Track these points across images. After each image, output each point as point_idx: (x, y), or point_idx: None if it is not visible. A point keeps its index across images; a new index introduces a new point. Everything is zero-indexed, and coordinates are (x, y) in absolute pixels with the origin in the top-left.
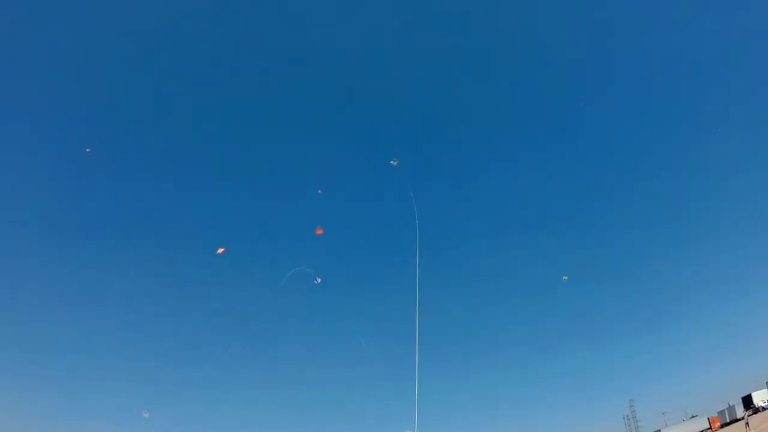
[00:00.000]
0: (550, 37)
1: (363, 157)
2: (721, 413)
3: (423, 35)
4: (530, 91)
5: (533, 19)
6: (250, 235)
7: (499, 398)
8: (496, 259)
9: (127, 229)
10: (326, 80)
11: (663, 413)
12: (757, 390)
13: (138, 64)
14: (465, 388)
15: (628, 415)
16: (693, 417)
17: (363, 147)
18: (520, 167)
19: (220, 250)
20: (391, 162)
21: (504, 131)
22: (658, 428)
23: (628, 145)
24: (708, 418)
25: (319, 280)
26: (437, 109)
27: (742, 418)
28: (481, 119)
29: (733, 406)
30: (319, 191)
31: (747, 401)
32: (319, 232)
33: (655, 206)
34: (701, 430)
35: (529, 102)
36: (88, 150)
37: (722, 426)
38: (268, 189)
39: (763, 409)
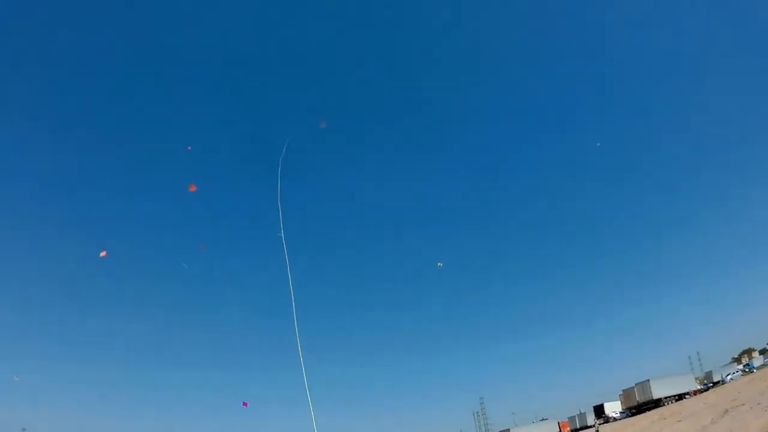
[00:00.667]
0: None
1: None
2: (572, 419)
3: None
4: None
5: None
6: None
7: (358, 391)
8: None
9: None
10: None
11: (513, 413)
12: (610, 401)
13: None
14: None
15: (478, 412)
16: (543, 419)
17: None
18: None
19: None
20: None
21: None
22: (507, 428)
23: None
24: (558, 422)
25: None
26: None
27: (592, 426)
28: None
29: (584, 413)
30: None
31: (599, 410)
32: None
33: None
34: None
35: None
36: None
37: (572, 431)
38: None
39: (614, 419)
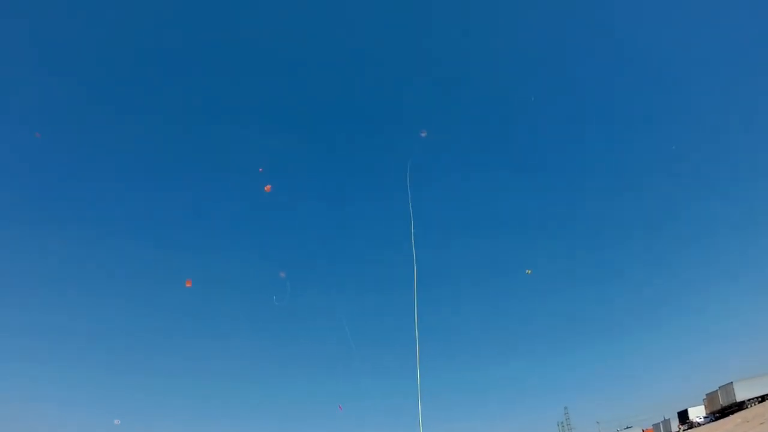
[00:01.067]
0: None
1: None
2: (656, 426)
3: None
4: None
5: None
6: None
7: (438, 402)
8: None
9: None
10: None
11: (597, 422)
12: (694, 406)
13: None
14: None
15: (562, 422)
16: (627, 428)
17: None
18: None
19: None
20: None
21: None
22: None
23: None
24: (642, 430)
25: None
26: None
27: None
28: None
29: (668, 420)
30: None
31: (683, 416)
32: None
33: (618, 221)
34: None
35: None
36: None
37: None
38: None
39: (698, 424)
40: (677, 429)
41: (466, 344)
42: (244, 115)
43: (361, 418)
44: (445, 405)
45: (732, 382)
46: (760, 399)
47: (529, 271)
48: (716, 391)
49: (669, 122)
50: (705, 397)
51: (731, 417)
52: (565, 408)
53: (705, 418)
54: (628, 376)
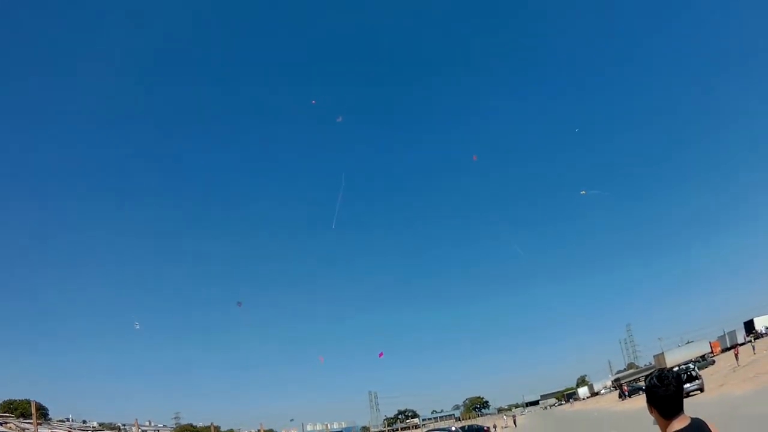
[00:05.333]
0: None
1: None
2: (722, 338)
3: None
4: None
5: None
6: None
7: (501, 326)
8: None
9: None
10: None
11: (659, 339)
12: (760, 315)
13: None
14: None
15: (625, 339)
16: (689, 342)
17: None
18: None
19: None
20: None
21: None
22: (655, 353)
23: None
24: (709, 342)
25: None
26: None
27: (746, 343)
28: None
29: (734, 331)
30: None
31: (749, 326)
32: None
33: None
34: (703, 353)
35: None
36: None
37: (723, 350)
38: None
39: (765, 334)
40: (744, 339)
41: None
42: None
43: None
44: (512, 329)
45: None
46: None
47: (584, 192)
48: None
49: None
50: None
51: None
52: (628, 325)
53: None
54: (690, 292)
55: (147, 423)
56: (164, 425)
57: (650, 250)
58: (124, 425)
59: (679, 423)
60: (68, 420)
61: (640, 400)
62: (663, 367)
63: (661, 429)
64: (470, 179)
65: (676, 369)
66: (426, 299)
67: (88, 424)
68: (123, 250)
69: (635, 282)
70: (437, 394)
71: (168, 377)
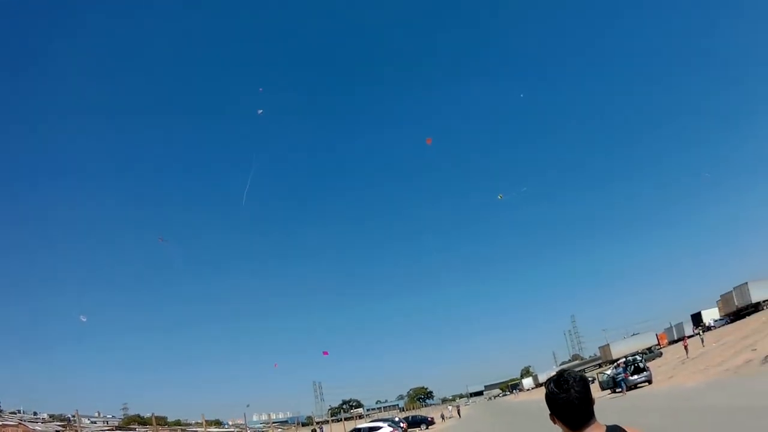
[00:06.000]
0: None
1: None
2: (668, 330)
3: None
4: None
5: None
6: None
7: (445, 318)
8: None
9: None
10: None
11: (603, 330)
12: (706, 309)
13: None
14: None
15: (570, 330)
16: (635, 334)
17: None
18: None
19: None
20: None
21: None
22: (600, 344)
23: None
24: (656, 334)
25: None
26: None
27: (694, 335)
28: None
29: (681, 323)
30: None
31: (696, 319)
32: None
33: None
34: (650, 345)
35: None
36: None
37: (670, 342)
38: None
39: (712, 328)
40: (692, 332)
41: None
42: None
43: None
44: (456, 320)
45: (747, 282)
46: None
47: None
48: (731, 291)
49: None
50: (719, 298)
51: (748, 318)
52: (572, 316)
53: (719, 320)
54: (635, 285)
55: (96, 414)
56: (113, 416)
57: (594, 241)
58: (73, 416)
59: None
60: (19, 412)
61: None
62: (563, 369)
63: None
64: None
65: (622, 362)
66: (370, 290)
67: (38, 416)
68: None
69: (579, 274)
70: (382, 384)
71: (116, 370)
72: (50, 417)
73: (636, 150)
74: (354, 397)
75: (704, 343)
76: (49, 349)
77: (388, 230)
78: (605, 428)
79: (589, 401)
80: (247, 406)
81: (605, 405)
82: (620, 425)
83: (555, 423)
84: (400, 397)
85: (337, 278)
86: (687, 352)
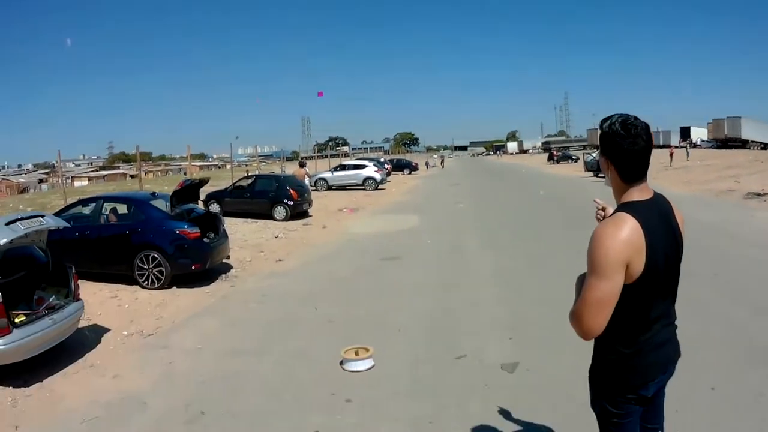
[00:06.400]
0: None
1: None
2: (656, 134)
3: None
4: None
5: None
6: None
7: (439, 65)
8: None
9: None
10: None
11: (593, 114)
12: (697, 127)
13: None
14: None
15: (561, 107)
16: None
17: None
18: None
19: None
20: None
21: None
22: (588, 128)
23: None
24: None
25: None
26: None
27: (680, 147)
28: None
29: (669, 132)
30: None
31: (685, 132)
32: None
33: None
34: None
35: None
36: None
37: (655, 147)
38: None
39: (698, 146)
40: (678, 144)
41: None
42: None
43: None
44: (449, 68)
45: (741, 117)
46: (762, 146)
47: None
48: (723, 119)
49: None
50: (711, 121)
51: (736, 151)
52: (566, 93)
53: (706, 142)
54: (633, 82)
55: (81, 156)
56: (98, 156)
57: (605, 28)
58: (56, 162)
59: (640, 192)
60: (2, 168)
61: (569, 168)
62: (628, 114)
63: (616, 193)
64: None
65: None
66: (364, 19)
67: (22, 168)
68: None
69: (580, 50)
70: (369, 126)
71: (102, 111)
72: (34, 167)
73: None
74: (341, 135)
75: (689, 158)
76: (33, 96)
77: None
78: (653, 193)
79: (649, 155)
80: (236, 137)
81: (591, 186)
82: (664, 195)
83: (606, 170)
84: (386, 140)
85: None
86: (672, 160)
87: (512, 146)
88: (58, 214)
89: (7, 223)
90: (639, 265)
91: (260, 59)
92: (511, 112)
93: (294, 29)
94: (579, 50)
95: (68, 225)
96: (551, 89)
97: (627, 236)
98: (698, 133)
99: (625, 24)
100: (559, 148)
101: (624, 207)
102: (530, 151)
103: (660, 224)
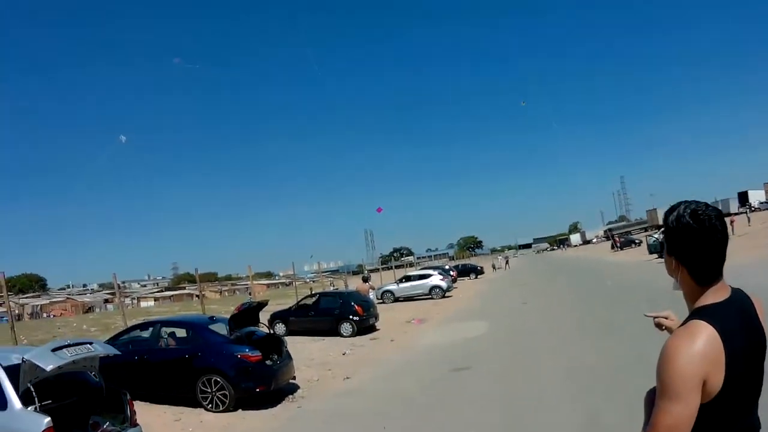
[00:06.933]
0: None
1: None
2: (714, 204)
3: None
4: None
5: None
6: None
7: (497, 168)
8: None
9: None
10: None
11: (651, 195)
12: (754, 189)
13: None
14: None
15: (618, 191)
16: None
17: None
18: None
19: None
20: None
21: None
22: (647, 208)
23: None
24: None
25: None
26: None
27: (740, 213)
28: None
29: (727, 200)
30: None
31: (743, 198)
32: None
33: None
34: None
35: None
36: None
37: None
38: None
39: (758, 209)
40: (737, 210)
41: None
42: None
43: None
44: (507, 171)
45: None
46: None
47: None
48: None
49: None
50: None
51: None
52: (622, 178)
53: (764, 203)
54: (685, 155)
55: (146, 277)
56: (163, 277)
57: (650, 109)
58: (123, 282)
59: (717, 293)
60: (69, 287)
61: (633, 253)
62: (696, 201)
63: (688, 297)
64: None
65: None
66: (423, 139)
67: (87, 288)
68: None
69: (632, 136)
70: (432, 233)
71: (165, 231)
72: (99, 287)
73: None
74: (404, 245)
75: (750, 223)
76: (93, 220)
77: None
78: (731, 289)
79: (725, 247)
80: (311, 256)
81: (655, 268)
82: (743, 290)
83: (674, 271)
84: (450, 246)
85: (389, 122)
86: (733, 229)
87: (575, 238)
88: (116, 337)
89: (54, 350)
90: (718, 380)
91: (324, 177)
92: (571, 203)
93: (356, 148)
94: (630, 135)
95: (118, 353)
96: (607, 175)
97: (702, 349)
98: (756, 196)
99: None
100: (621, 233)
101: (698, 313)
102: (593, 240)
103: (741, 327)
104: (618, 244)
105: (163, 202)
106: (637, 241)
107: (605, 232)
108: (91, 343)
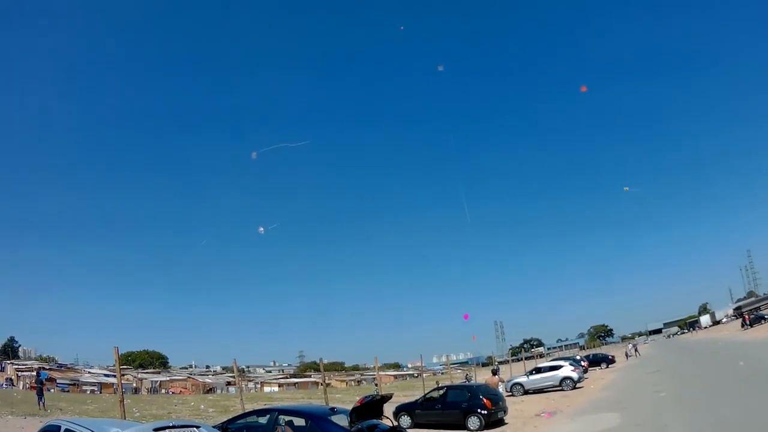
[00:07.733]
0: None
1: None
2: None
3: None
4: None
5: None
6: None
7: (622, 255)
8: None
9: None
10: None
11: None
12: None
13: None
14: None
15: (745, 266)
16: None
17: None
18: None
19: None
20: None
21: None
22: None
23: None
24: None
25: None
26: None
27: None
28: None
29: None
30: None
31: None
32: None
33: None
34: None
35: None
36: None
37: None
38: None
39: None
40: None
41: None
42: None
43: None
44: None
45: None
46: None
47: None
48: None
49: None
50: None
51: None
52: (748, 251)
53: None
54: None
55: (272, 363)
56: (288, 364)
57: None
58: (248, 367)
59: None
60: (191, 366)
61: (762, 330)
62: None
63: None
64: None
65: None
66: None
67: (210, 369)
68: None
69: (758, 204)
70: (562, 323)
71: (293, 319)
72: (223, 369)
73: None
74: (535, 336)
75: None
76: (217, 305)
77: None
78: None
79: None
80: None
81: None
82: None
83: None
84: (581, 335)
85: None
86: None
87: (705, 319)
88: (231, 420)
89: (156, 429)
90: None
91: (454, 265)
92: (698, 283)
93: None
94: (754, 208)
95: None
96: (732, 251)
97: None
98: None
99: None
100: (751, 310)
101: None
102: (723, 320)
103: None
104: (747, 321)
105: (290, 289)
106: (766, 316)
107: (735, 310)
108: (198, 427)
